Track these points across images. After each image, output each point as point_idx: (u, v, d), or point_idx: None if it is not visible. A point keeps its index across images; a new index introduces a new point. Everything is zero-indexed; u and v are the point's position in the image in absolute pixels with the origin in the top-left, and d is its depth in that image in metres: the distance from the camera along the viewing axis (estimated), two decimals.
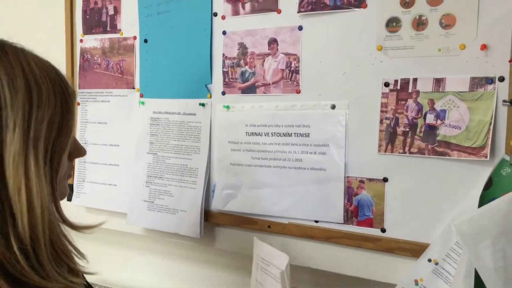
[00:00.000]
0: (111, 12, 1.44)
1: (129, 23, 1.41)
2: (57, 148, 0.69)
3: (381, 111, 1.04)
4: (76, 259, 0.71)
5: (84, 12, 1.49)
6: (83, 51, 1.50)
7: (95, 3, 1.46)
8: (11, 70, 0.64)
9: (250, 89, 1.21)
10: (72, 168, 0.79)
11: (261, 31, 1.18)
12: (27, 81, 0.65)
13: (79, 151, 0.79)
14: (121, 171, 1.45)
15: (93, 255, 0.74)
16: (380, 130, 1.05)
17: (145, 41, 1.38)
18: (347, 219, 1.11)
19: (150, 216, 1.37)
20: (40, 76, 0.67)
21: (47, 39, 1.55)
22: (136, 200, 1.40)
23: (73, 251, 0.71)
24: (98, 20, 1.47)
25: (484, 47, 0.93)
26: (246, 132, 1.22)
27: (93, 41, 1.48)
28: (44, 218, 0.64)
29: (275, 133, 1.18)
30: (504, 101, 0.92)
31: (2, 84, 0.63)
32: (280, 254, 1.04)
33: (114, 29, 1.44)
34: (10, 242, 0.60)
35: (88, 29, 1.49)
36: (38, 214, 0.63)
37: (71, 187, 1.52)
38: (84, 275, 0.75)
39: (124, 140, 1.44)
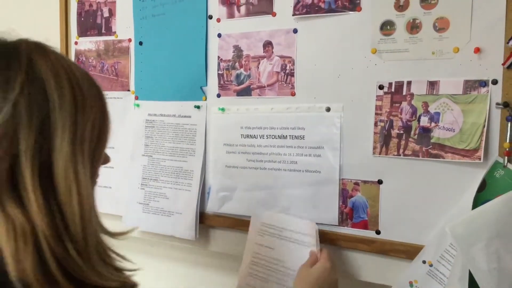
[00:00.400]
0: (106, 14, 1.44)
1: (124, 26, 1.41)
2: (97, 154, 0.71)
3: (376, 114, 1.05)
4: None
5: (79, 14, 1.49)
6: (78, 53, 1.50)
7: (90, 5, 1.46)
8: (57, 73, 0.64)
9: (245, 92, 1.21)
10: (98, 175, 0.79)
11: (256, 34, 1.18)
12: (71, 84, 0.65)
13: (106, 158, 0.80)
14: (116, 174, 1.45)
15: None
16: (375, 133, 1.05)
17: (140, 43, 1.38)
18: (342, 221, 1.11)
19: (145, 218, 1.37)
20: (81, 81, 0.67)
21: (41, 41, 1.55)
22: (131, 202, 1.40)
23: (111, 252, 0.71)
24: (93, 22, 1.46)
25: (477, 50, 0.94)
26: (241, 135, 1.22)
27: (88, 44, 1.48)
28: (91, 220, 0.65)
29: (270, 135, 1.18)
30: (498, 103, 0.92)
31: (51, 87, 0.63)
32: (298, 219, 1.14)
33: (109, 31, 1.44)
34: (65, 244, 0.60)
35: (83, 32, 1.49)
36: (87, 217, 0.64)
37: None
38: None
39: (119, 142, 1.44)
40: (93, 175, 0.71)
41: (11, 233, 0.57)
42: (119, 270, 0.69)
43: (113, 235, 0.74)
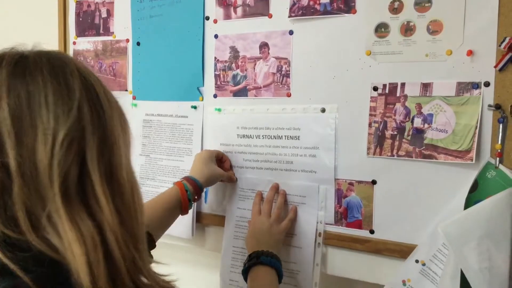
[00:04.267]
0: (104, 15, 1.44)
1: (122, 26, 1.42)
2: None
3: (370, 115, 1.06)
4: None
5: (77, 14, 1.50)
6: (76, 53, 1.51)
7: (88, 6, 1.47)
8: (98, 80, 0.65)
9: (241, 92, 1.22)
10: None
11: (252, 35, 1.19)
12: (108, 90, 0.66)
13: None
14: None
15: None
16: (369, 134, 1.06)
17: (138, 44, 1.39)
18: (337, 221, 1.12)
19: None
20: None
21: (40, 41, 1.55)
22: None
23: None
24: (91, 22, 1.47)
25: (470, 52, 0.95)
26: (238, 135, 1.23)
27: (86, 44, 1.49)
28: (144, 219, 0.66)
29: (266, 135, 1.19)
30: (490, 105, 0.94)
31: (101, 92, 0.63)
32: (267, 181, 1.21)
33: (107, 31, 1.45)
34: (130, 247, 0.60)
35: (81, 32, 1.50)
36: (143, 216, 0.66)
37: None
38: None
39: None
40: None
41: (81, 239, 0.55)
42: (157, 273, 0.69)
43: None
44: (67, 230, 0.55)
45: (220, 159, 1.24)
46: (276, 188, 1.17)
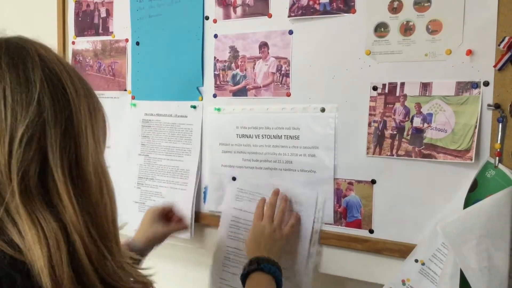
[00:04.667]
0: (103, 14, 1.44)
1: (121, 26, 1.42)
2: (104, 148, 0.70)
3: (370, 114, 1.06)
4: None
5: (76, 14, 1.50)
6: (75, 53, 1.51)
7: (88, 5, 1.47)
8: (65, 67, 0.61)
9: (241, 92, 1.22)
10: None
11: (252, 35, 1.19)
12: (78, 77, 0.63)
13: None
14: (112, 173, 1.44)
15: None
16: (369, 133, 1.06)
17: (137, 43, 1.39)
18: (336, 220, 1.12)
19: (141, 217, 1.38)
20: (79, 73, 0.65)
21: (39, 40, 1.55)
22: (127, 201, 1.41)
23: None
24: (90, 22, 1.47)
25: (469, 52, 0.95)
26: (237, 134, 1.23)
27: (85, 43, 1.49)
28: (116, 215, 0.64)
29: (265, 135, 1.19)
30: (489, 105, 0.94)
31: (66, 81, 0.59)
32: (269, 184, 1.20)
33: (106, 31, 1.45)
34: (99, 246, 0.58)
35: (80, 31, 1.50)
36: (116, 211, 0.63)
37: None
38: None
39: (116, 141, 1.45)
40: None
41: (43, 239, 0.53)
42: (134, 267, 0.67)
43: None
44: (27, 230, 0.53)
45: (167, 213, 1.21)
46: (278, 193, 1.16)
